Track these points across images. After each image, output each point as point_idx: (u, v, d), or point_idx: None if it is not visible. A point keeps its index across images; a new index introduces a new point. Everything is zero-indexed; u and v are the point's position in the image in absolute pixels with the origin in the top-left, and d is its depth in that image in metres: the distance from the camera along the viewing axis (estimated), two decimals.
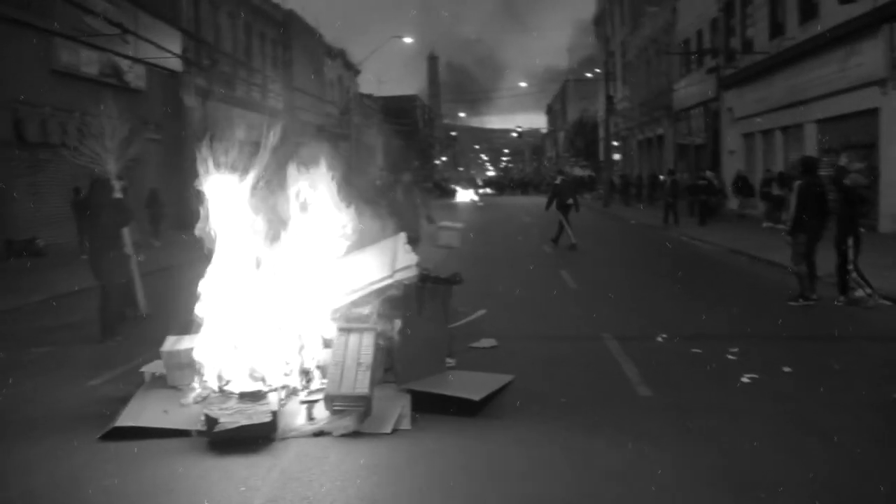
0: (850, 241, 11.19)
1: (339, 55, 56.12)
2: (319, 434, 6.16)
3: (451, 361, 7.85)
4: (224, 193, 7.12)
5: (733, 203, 29.55)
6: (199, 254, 7.32)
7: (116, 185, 10.84)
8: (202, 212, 7.11)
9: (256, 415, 6.08)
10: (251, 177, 7.19)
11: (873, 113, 20.65)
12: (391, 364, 7.24)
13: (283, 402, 6.46)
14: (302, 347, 6.91)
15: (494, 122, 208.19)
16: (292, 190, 7.46)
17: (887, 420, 6.44)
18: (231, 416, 6.02)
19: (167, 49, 24.67)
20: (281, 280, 7.14)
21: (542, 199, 24.29)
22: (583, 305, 12.06)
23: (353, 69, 59.98)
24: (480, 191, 72.90)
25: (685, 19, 38.90)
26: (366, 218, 8.07)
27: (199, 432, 6.11)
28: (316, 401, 6.47)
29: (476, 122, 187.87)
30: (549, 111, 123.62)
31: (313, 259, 7.40)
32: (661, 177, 37.54)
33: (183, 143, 27.76)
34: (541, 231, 21.63)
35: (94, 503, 5.07)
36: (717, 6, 33.43)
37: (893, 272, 13.02)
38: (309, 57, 46.29)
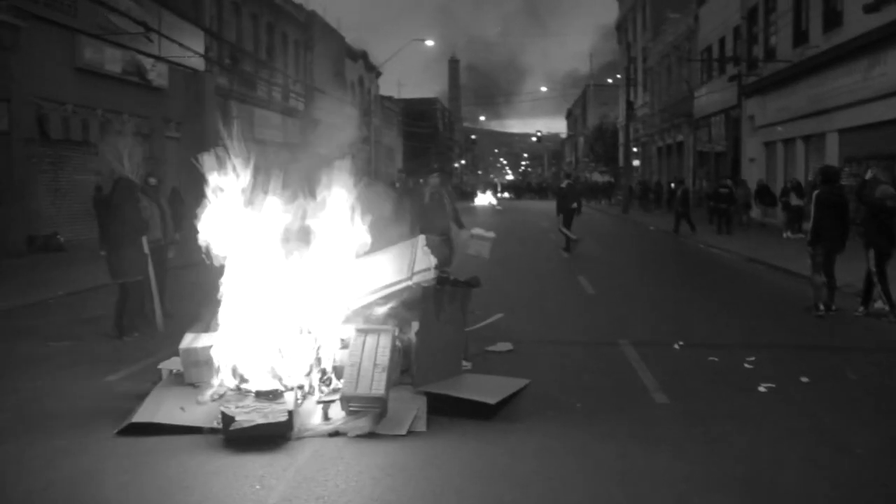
0: (872, 254, 11.08)
1: (361, 57, 56.28)
2: (335, 434, 6.18)
3: (466, 365, 7.85)
4: (241, 195, 7.15)
5: (755, 212, 29.38)
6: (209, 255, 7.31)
7: (151, 181, 11.26)
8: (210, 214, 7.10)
9: (273, 413, 6.10)
10: (270, 178, 7.23)
11: None
12: (408, 366, 7.25)
13: (299, 401, 6.48)
14: (319, 348, 6.93)
15: (514, 126, 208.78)
16: (313, 190, 7.48)
17: None
18: (247, 415, 6.04)
19: (190, 48, 24.84)
20: (299, 280, 7.16)
21: None
22: (600, 311, 12.03)
23: (374, 71, 60.13)
24: (499, 195, 72.97)
25: (707, 26, 38.73)
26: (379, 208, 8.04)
27: (215, 430, 6.14)
28: (332, 401, 6.49)
29: (496, 125, 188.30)
30: (569, 116, 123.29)
31: (332, 260, 7.42)
32: (672, 184, 37.38)
33: (204, 141, 27.94)
34: (558, 236, 21.62)
35: (111, 498, 5.10)
36: (740, 14, 33.25)
37: None
38: (330, 58, 46.42)
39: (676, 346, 9.38)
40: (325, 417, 6.39)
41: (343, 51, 50.17)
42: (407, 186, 40.35)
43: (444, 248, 10.76)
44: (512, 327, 10.07)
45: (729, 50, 35.64)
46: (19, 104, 18.89)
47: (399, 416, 6.39)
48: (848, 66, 22.67)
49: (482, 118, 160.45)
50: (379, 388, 6.33)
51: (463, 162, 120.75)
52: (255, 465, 5.59)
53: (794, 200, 23.97)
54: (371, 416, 6.28)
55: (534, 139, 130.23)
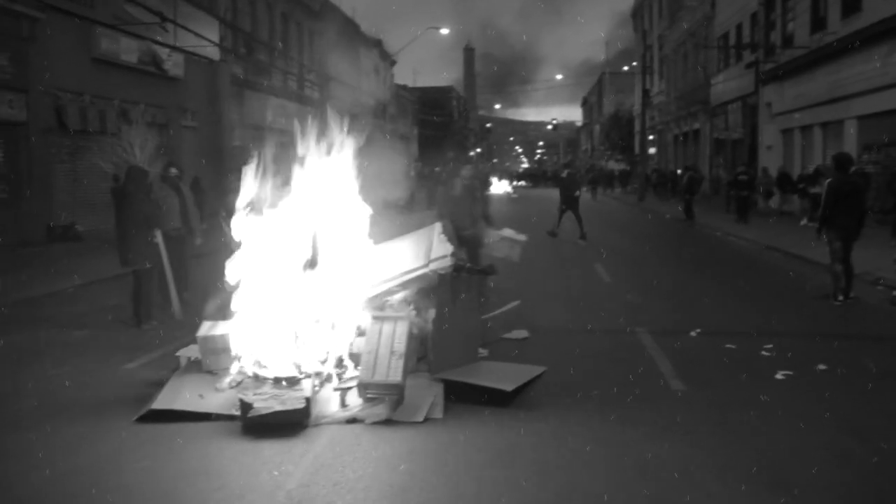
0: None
1: (376, 45, 56.18)
2: (352, 421, 6.21)
3: (483, 352, 7.86)
4: (261, 183, 7.20)
5: (774, 200, 29.20)
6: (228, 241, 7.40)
7: (172, 171, 11.57)
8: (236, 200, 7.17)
9: (290, 401, 6.14)
10: (288, 166, 7.26)
11: None
12: (424, 353, 7.27)
13: (316, 388, 6.51)
14: (336, 335, 6.95)
15: (529, 114, 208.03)
16: (330, 177, 7.49)
17: None
18: (265, 402, 6.08)
19: (205, 37, 24.90)
20: (317, 267, 7.18)
21: None
22: (616, 299, 12.00)
23: (389, 59, 60.02)
24: (515, 183, 72.92)
25: (724, 13, 38.42)
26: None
27: (234, 417, 6.19)
28: (349, 388, 6.52)
29: (511, 113, 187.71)
30: (585, 104, 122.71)
31: (349, 247, 7.44)
32: (678, 171, 37.22)
33: (220, 131, 28.03)
34: (573, 225, 21.60)
35: (131, 483, 5.15)
36: (758, 0, 32.99)
37: None
38: (345, 46, 46.39)
39: (693, 334, 9.36)
40: (343, 404, 6.43)
41: (358, 39, 50.10)
42: (423, 174, 40.19)
43: (471, 240, 10.61)
44: (528, 315, 10.05)
45: (746, 37, 35.31)
46: (37, 95, 18.99)
47: (416, 403, 6.41)
48: (867, 53, 22.43)
49: (497, 106, 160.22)
50: (396, 375, 6.36)
51: (479, 150, 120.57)
52: (272, 451, 5.63)
53: (812, 188, 23.80)
54: (388, 402, 6.30)
55: (549, 127, 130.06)
